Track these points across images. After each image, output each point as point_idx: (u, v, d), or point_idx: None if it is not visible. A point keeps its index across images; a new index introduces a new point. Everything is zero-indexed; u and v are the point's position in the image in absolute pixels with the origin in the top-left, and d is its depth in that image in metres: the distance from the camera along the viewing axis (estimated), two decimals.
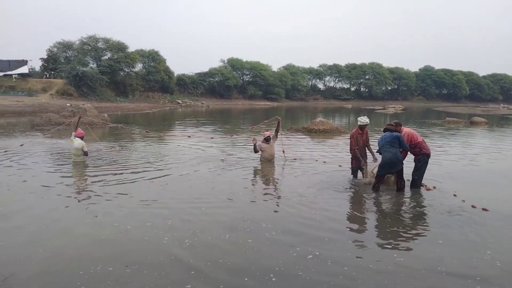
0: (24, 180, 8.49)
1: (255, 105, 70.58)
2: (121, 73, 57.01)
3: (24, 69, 49.68)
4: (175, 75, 68.03)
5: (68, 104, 36.01)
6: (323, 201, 7.03)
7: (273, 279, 4.06)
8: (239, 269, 4.29)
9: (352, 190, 7.99)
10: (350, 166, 9.17)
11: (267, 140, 11.05)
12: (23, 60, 50.63)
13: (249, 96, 78.26)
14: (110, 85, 53.99)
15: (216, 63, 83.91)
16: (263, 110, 54.92)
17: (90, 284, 3.96)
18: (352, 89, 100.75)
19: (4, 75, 48.06)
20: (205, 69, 75.93)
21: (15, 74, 48.78)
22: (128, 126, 18.73)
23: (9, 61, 49.65)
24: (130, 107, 46.68)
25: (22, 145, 12.55)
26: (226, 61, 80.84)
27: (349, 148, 9.05)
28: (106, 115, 26.39)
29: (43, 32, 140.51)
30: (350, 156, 9.08)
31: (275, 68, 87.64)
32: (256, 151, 11.11)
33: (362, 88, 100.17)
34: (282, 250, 4.77)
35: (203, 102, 65.92)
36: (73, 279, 4.05)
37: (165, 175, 9.10)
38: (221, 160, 11.33)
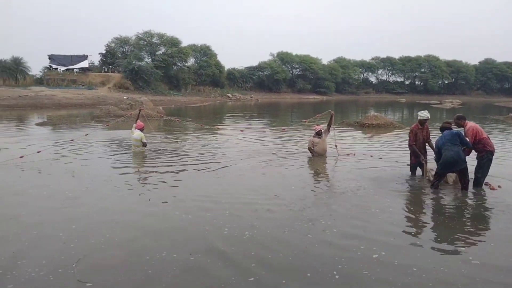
0: (89, 168, 9.00)
1: (304, 99, 70.00)
2: (174, 68, 58.59)
3: (84, 64, 52.45)
4: (226, 69, 68.94)
5: (125, 97, 37.59)
6: (379, 200, 6.78)
7: (336, 276, 3.99)
8: (300, 264, 4.25)
9: (410, 188, 7.68)
10: (409, 163, 8.84)
11: (318, 134, 10.91)
12: (84, 55, 53.47)
13: (297, 90, 77.71)
14: (164, 79, 55.71)
15: (265, 57, 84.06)
16: (312, 104, 54.36)
17: (157, 270, 4.10)
18: (406, 82, 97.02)
19: (67, 69, 51.03)
20: (254, 63, 76.34)
21: (76, 69, 51.64)
22: (183, 119, 19.22)
23: (71, 56, 52.61)
24: (182, 100, 47.94)
25: (87, 134, 13.31)
26: (275, 55, 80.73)
27: (407, 143, 8.73)
28: (161, 108, 27.27)
29: (102, 27, 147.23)
30: (409, 152, 8.75)
31: (325, 61, 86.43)
32: (310, 148, 11.01)
33: (417, 82, 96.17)
34: (344, 249, 4.67)
35: (252, 95, 66.33)
36: (141, 264, 4.22)
37: (219, 168, 9.24)
38: (273, 153, 11.37)
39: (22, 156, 9.65)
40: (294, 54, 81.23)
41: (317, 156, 10.73)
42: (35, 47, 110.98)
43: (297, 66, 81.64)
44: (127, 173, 8.66)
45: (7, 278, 3.86)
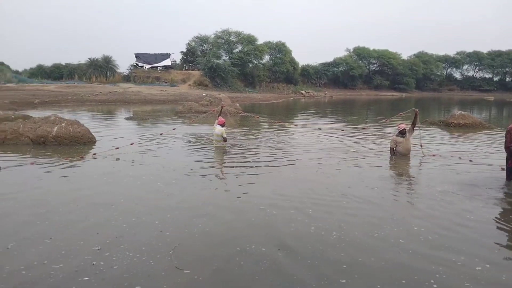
0: (176, 161, 9.47)
1: (381, 95, 67.37)
2: (250, 65, 59.60)
3: (167, 62, 55.51)
4: (300, 66, 68.59)
5: (204, 94, 39.08)
6: (472, 207, 6.24)
7: (434, 285, 3.76)
8: (394, 269, 4.08)
9: (507, 195, 6.99)
10: (504, 167, 8.07)
11: (402, 133, 10.40)
12: (167, 53, 56.59)
13: (374, 86, 74.97)
14: (239, 76, 56.99)
15: (341, 53, 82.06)
16: (390, 101, 52.10)
17: (248, 261, 4.23)
18: (495, 79, 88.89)
19: (151, 67, 54.40)
20: (329, 59, 75.02)
21: (160, 66, 54.82)
22: (261, 116, 19.52)
23: (155, 54, 55.96)
24: (257, 97, 48.62)
25: (174, 129, 14.10)
26: (351, 50, 78.56)
27: (504, 145, 7.95)
28: (237, 104, 27.92)
29: (184, 27, 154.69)
30: (505, 155, 7.98)
31: (405, 56, 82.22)
32: (392, 148, 10.53)
33: (507, 78, 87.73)
34: (441, 257, 4.39)
35: (326, 92, 65.33)
36: (232, 254, 4.38)
37: (298, 165, 9.21)
38: (353, 151, 11.10)
39: (117, 148, 10.48)
40: (371, 49, 78.40)
41: (399, 156, 10.26)
42: (122, 46, 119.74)
43: (374, 62, 78.74)
44: (209, 167, 8.99)
45: (113, 259, 4.20)
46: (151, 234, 4.89)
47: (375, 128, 17.28)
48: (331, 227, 5.21)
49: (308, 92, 62.56)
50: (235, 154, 10.55)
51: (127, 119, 20.79)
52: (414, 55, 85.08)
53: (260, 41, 61.75)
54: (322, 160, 9.86)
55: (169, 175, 7.99)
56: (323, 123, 20.07)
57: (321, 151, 11.18)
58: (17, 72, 54.71)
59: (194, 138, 13.52)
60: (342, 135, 14.76)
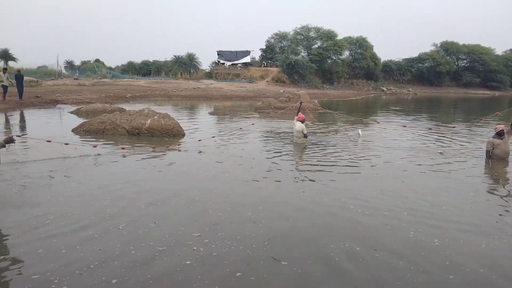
0: (255, 156, 9.62)
1: (471, 93, 62.28)
2: (329, 61, 58.60)
3: (247, 59, 56.67)
4: (381, 61, 65.88)
5: (281, 90, 39.28)
6: None
7: None
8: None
9: None
10: None
11: (500, 135, 9.50)
12: (247, 50, 57.72)
13: (463, 84, 69.50)
14: (317, 73, 56.35)
15: (427, 48, 77.11)
16: (480, 99, 47.97)
17: (344, 258, 4.21)
18: None
19: (232, 64, 55.95)
20: (414, 54, 71.01)
21: (240, 64, 56.17)
22: (340, 113, 19.17)
23: (236, 52, 57.41)
24: (335, 94, 47.74)
25: (253, 124, 14.42)
26: (438, 45, 73.41)
27: None
28: (316, 101, 27.68)
29: (264, 25, 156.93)
30: None
31: (499, 51, 74.97)
32: (488, 151, 9.68)
33: None
34: None
35: (410, 89, 62.02)
36: (327, 250, 4.39)
37: (380, 165, 8.84)
38: (440, 153, 10.43)
39: (200, 140, 11.01)
40: (461, 44, 72.66)
41: (496, 160, 9.42)
42: (205, 44, 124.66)
43: (464, 57, 72.82)
44: (290, 164, 9.05)
45: (212, 246, 4.43)
46: (245, 224, 5.06)
47: (466, 128, 16.06)
48: (434, 233, 4.91)
49: (390, 89, 59.93)
50: (315, 151, 10.47)
51: (211, 114, 21.67)
52: (511, 50, 77.27)
53: (340, 36, 60.45)
54: (407, 160, 9.41)
55: (252, 169, 8.17)
56: (406, 121, 19.14)
57: (405, 150, 10.69)
58: (110, 68, 59.53)
59: (272, 133, 13.68)
60: (428, 134, 13.96)
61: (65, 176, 7.30)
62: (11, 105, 20.26)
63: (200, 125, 15.62)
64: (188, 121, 16.90)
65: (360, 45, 63.07)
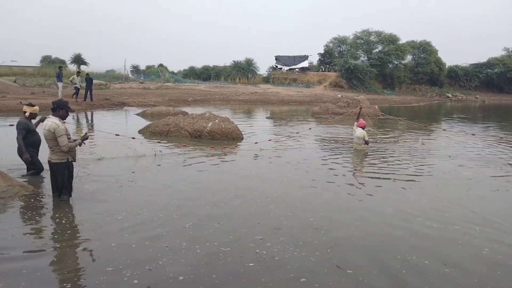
0: (311, 162, 9.52)
1: None
2: (390, 66, 56.79)
3: (304, 64, 56.44)
4: (446, 67, 62.57)
5: (339, 96, 38.67)
6: None
7: None
8: None
9: None
10: None
11: None
12: (305, 55, 57.54)
13: None
14: (378, 78, 54.80)
15: (497, 53, 71.86)
16: None
17: (411, 271, 4.07)
18: None
19: (289, 69, 55.99)
20: (482, 59, 66.61)
21: (297, 68, 56.06)
22: (402, 119, 18.47)
23: (294, 56, 57.42)
24: (396, 99, 46.09)
25: (310, 128, 14.33)
26: (510, 50, 68.36)
27: None
28: (376, 106, 26.91)
29: (322, 29, 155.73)
30: None
31: None
32: None
33: None
34: None
35: (477, 96, 58.27)
36: (392, 262, 4.26)
37: (442, 176, 8.35)
38: (510, 164, 9.70)
39: (257, 142, 11.23)
40: None
41: None
42: (263, 49, 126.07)
43: None
44: (347, 171, 8.86)
45: (274, 250, 4.45)
46: (307, 230, 5.04)
47: None
48: (509, 252, 4.61)
49: (456, 95, 56.70)
50: (375, 158, 10.16)
51: (268, 118, 21.83)
52: None
53: (403, 40, 58.33)
54: (475, 171, 8.86)
55: (310, 175, 8.12)
56: (474, 130, 18.01)
57: (472, 160, 10.06)
58: (173, 72, 62.03)
59: (330, 138, 13.50)
60: (499, 143, 13.04)
61: (132, 172, 7.75)
62: (82, 106, 21.74)
63: (258, 129, 15.78)
64: (245, 124, 17.13)
65: (424, 49, 60.36)
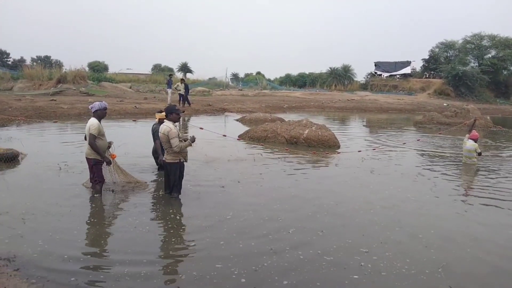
0: (418, 173, 9.02)
1: None
2: (505, 72, 51.26)
3: (406, 70, 53.52)
4: None
5: (444, 104, 36.04)
6: None
7: None
8: None
9: None
10: None
11: None
12: (407, 61, 54.59)
13: None
14: (489, 85, 49.75)
15: None
16: None
17: None
18: None
19: (390, 76, 53.61)
20: None
21: (398, 75, 53.45)
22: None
23: (395, 62, 54.83)
24: (511, 110, 41.37)
25: (418, 140, 13.56)
26: None
27: None
28: (488, 117, 24.49)
29: (427, 34, 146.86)
30: None
31: None
32: None
33: None
34: None
35: None
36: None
37: None
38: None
39: (360, 151, 11.07)
40: None
41: None
42: (361, 54, 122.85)
43: None
44: (456, 185, 8.23)
45: (380, 265, 4.30)
46: (415, 247, 4.79)
47: None
48: None
49: None
50: (487, 175, 9.20)
51: (364, 126, 21.18)
52: None
53: None
54: None
55: (413, 187, 7.73)
56: None
57: None
58: (270, 80, 63.40)
59: (437, 150, 12.62)
60: None
61: (239, 176, 8.10)
62: (189, 111, 23.31)
63: (355, 137, 15.40)
64: (341, 132, 16.83)
65: None
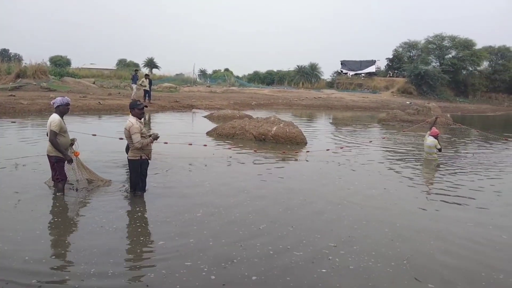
0: (387, 170, 9.30)
1: None
2: (464, 72, 53.57)
3: (371, 69, 54.97)
4: None
5: (407, 102, 37.16)
6: None
7: None
8: None
9: None
10: None
11: None
12: (372, 60, 56.05)
13: None
14: (450, 84, 51.86)
15: None
16: None
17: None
18: None
19: (355, 74, 54.86)
20: None
21: (363, 73, 54.76)
22: (478, 130, 17.32)
23: (360, 61, 56.19)
24: (469, 108, 43.32)
25: (384, 138, 13.94)
26: None
27: None
28: (448, 115, 25.50)
29: (391, 33, 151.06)
30: None
31: None
32: None
33: None
34: None
35: None
36: (476, 279, 4.07)
37: None
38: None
39: (328, 149, 11.22)
40: None
41: None
42: (328, 53, 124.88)
43: None
44: (418, 182, 8.57)
45: (348, 259, 4.39)
46: (381, 240, 4.92)
47: None
48: None
49: None
50: (447, 171, 9.59)
51: (331, 123, 21.53)
52: None
53: (479, 45, 54.70)
54: None
55: (379, 184, 7.93)
56: None
57: None
58: (238, 77, 63.37)
59: (402, 147, 13.04)
60: None
61: (211, 175, 8.02)
62: (154, 107, 22.89)
63: (321, 134, 15.64)
64: (308, 129, 17.04)
65: (503, 55, 56.17)
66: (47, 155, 6.09)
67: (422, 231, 5.36)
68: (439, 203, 6.78)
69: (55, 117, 5.98)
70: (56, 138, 5.89)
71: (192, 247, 4.57)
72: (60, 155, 6.00)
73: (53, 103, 6.11)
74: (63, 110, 6.11)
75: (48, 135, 5.98)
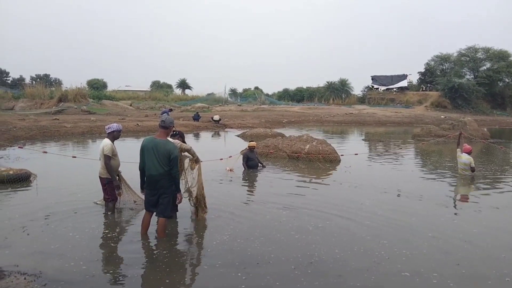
0: (412, 185, 9.33)
1: None
2: (500, 84, 52.06)
3: (403, 83, 54.34)
4: None
5: (442, 116, 36.54)
6: None
7: None
8: None
9: None
10: None
11: None
12: (404, 74, 55.44)
13: None
14: (486, 97, 50.50)
15: None
16: None
17: None
18: None
19: (387, 89, 54.36)
20: None
21: (395, 88, 54.19)
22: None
23: (392, 76, 55.68)
24: (508, 121, 41.92)
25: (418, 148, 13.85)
26: None
27: None
28: (485, 129, 24.85)
29: (422, 47, 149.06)
30: None
31: None
32: None
33: None
34: None
35: None
36: None
37: None
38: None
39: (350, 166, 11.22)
40: None
41: None
42: (358, 69, 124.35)
43: None
44: (447, 196, 8.60)
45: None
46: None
47: None
48: None
49: None
50: (482, 188, 9.49)
51: (364, 140, 21.50)
52: None
53: None
54: None
55: (420, 204, 7.98)
56: None
57: None
58: (268, 95, 64.12)
59: (434, 162, 12.98)
60: None
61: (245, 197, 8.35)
62: (189, 128, 23.67)
63: (354, 151, 15.72)
64: (341, 146, 17.13)
65: None
66: (99, 177, 6.60)
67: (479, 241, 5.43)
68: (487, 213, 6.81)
69: (107, 142, 6.50)
70: (109, 161, 6.40)
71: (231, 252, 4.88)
72: (110, 177, 6.49)
73: (108, 128, 6.62)
74: (116, 135, 6.62)
75: (101, 159, 6.51)
